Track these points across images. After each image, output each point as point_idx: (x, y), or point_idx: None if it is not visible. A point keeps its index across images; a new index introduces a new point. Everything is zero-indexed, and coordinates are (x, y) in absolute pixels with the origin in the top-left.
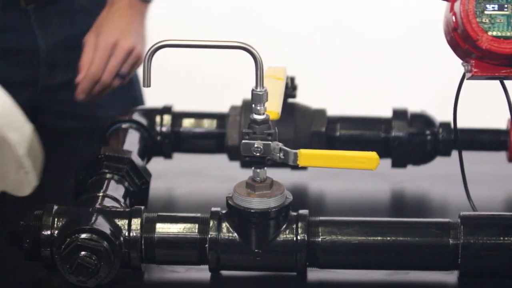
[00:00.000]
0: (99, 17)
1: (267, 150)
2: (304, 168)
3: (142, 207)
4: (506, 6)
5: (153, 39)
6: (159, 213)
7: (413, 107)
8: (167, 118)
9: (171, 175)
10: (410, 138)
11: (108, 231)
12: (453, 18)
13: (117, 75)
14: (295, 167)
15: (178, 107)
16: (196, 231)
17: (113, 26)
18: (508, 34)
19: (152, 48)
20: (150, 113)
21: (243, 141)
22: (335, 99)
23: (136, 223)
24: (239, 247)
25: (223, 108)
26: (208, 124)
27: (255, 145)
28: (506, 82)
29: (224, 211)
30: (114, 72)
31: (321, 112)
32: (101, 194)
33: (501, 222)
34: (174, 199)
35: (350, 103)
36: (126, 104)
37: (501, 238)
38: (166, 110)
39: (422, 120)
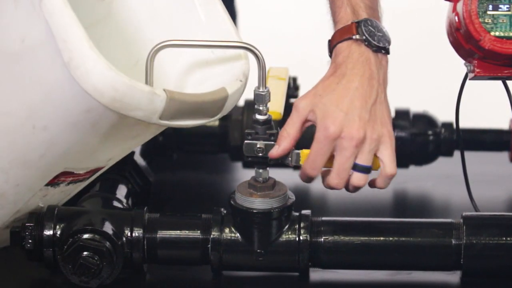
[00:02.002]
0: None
1: (269, 150)
2: None
3: (145, 208)
4: (508, 6)
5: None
6: (161, 214)
7: (415, 107)
8: None
9: (173, 175)
10: (413, 138)
11: (110, 231)
12: (456, 18)
13: None
14: (298, 167)
15: None
16: (199, 231)
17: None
18: (511, 34)
19: (154, 49)
20: None
21: (245, 141)
22: None
23: (138, 223)
24: (242, 247)
25: None
26: (210, 124)
27: (258, 146)
28: (508, 82)
29: (226, 212)
30: None
31: None
32: (103, 194)
33: (504, 222)
34: (176, 200)
35: None
36: None
37: (504, 238)
38: None
39: (425, 120)
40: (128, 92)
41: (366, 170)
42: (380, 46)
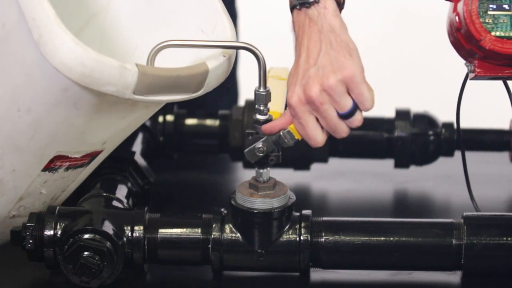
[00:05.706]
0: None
1: (269, 148)
2: (307, 168)
3: (145, 208)
4: (509, 6)
5: (157, 39)
6: (162, 214)
7: (416, 107)
8: (169, 118)
9: (173, 175)
10: (413, 139)
11: (111, 232)
12: (456, 18)
13: None
14: (300, 166)
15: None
16: (199, 231)
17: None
18: None
19: (155, 49)
20: None
21: (245, 150)
22: None
23: (139, 223)
24: (242, 247)
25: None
26: (211, 124)
27: (257, 146)
28: (509, 82)
29: (227, 212)
30: None
31: None
32: (104, 194)
33: (504, 222)
34: (176, 200)
35: None
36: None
37: (504, 238)
38: (169, 110)
39: (425, 121)
40: (97, 67)
41: (350, 114)
42: (304, 2)
